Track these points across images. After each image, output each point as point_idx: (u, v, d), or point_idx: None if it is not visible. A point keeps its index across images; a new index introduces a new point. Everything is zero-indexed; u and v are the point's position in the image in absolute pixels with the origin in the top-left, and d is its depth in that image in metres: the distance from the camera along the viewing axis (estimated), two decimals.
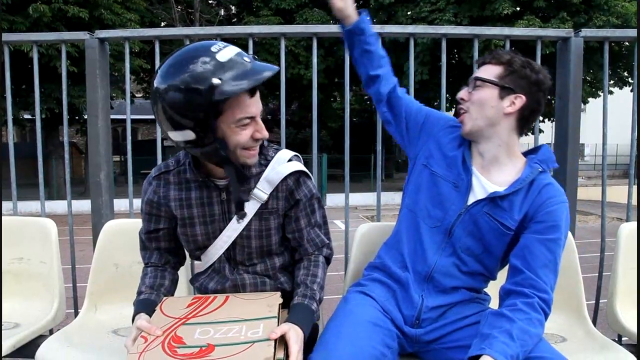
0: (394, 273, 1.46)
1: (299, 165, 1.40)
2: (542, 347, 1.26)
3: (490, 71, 1.39)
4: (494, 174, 1.41)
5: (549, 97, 1.42)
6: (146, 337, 1.19)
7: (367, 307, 1.41)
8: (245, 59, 1.17)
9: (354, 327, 1.32)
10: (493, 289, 1.48)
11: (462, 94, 1.44)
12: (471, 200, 1.40)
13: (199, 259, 1.49)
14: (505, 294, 1.33)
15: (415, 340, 1.41)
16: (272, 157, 1.40)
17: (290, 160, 1.40)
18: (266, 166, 1.38)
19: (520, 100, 1.36)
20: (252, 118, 1.22)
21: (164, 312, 1.28)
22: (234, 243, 1.40)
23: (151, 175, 1.43)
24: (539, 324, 1.25)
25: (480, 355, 1.16)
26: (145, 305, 1.35)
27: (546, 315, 1.27)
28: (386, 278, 1.48)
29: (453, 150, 1.47)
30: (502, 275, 1.44)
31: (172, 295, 1.46)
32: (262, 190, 1.36)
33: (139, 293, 1.40)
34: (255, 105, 1.22)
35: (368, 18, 1.62)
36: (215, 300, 1.33)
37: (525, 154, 1.46)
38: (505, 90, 1.36)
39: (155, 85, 1.16)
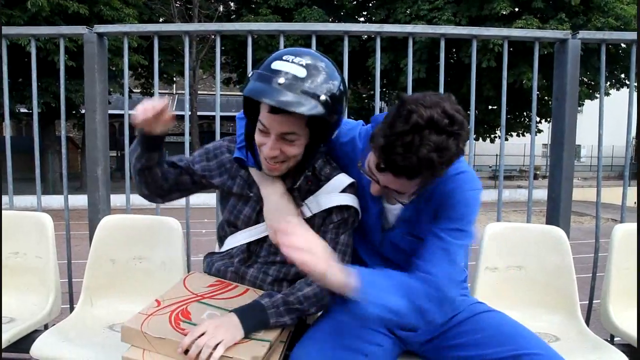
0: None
1: (352, 201, 1.35)
2: (535, 343, 1.25)
3: (409, 184, 1.15)
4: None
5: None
6: (160, 301, 1.23)
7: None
8: (281, 80, 1.12)
9: (337, 325, 1.31)
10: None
11: (379, 194, 1.26)
12: (386, 226, 1.37)
13: (222, 241, 1.50)
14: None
15: (409, 343, 1.42)
16: (326, 177, 1.37)
17: (344, 190, 1.35)
18: (316, 185, 1.36)
19: None
20: (266, 132, 1.21)
21: (186, 285, 1.33)
22: (263, 239, 1.41)
23: (228, 142, 1.47)
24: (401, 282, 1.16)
25: None
26: None
27: (428, 295, 1.16)
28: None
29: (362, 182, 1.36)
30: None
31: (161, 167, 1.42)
32: (309, 209, 1.35)
33: None
34: (271, 122, 1.19)
35: None
36: (236, 289, 1.36)
37: None
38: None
39: None
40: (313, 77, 1.14)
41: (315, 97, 1.13)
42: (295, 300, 1.27)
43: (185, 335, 1.12)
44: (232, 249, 1.45)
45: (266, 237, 1.40)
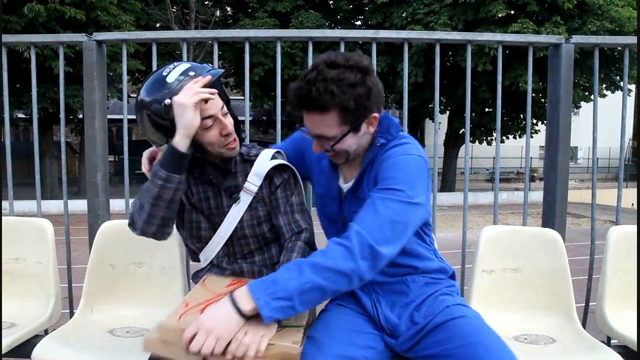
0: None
1: (282, 161, 1.52)
2: (503, 357, 1.22)
3: (327, 123, 1.28)
4: (352, 169, 1.44)
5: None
6: (188, 302, 1.24)
7: (343, 316, 1.40)
8: (191, 73, 1.33)
9: (328, 333, 1.30)
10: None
11: (320, 149, 1.37)
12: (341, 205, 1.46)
13: (197, 259, 1.57)
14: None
15: (395, 350, 1.39)
16: (256, 154, 1.52)
17: (273, 157, 1.52)
18: (251, 163, 1.51)
19: (374, 118, 1.32)
20: (212, 118, 1.35)
21: (207, 287, 1.35)
22: (230, 238, 1.49)
23: None
24: (334, 254, 1.17)
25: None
26: None
27: (341, 253, 1.17)
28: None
29: (322, 165, 1.51)
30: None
31: None
32: (253, 183, 1.49)
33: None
34: (211, 108, 1.34)
35: None
36: None
37: None
38: (356, 126, 1.30)
39: (139, 97, 1.37)
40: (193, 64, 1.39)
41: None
42: None
43: None
44: (211, 260, 1.54)
45: (231, 236, 1.50)
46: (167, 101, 1.29)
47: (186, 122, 1.28)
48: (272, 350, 1.13)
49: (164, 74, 1.34)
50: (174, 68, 1.35)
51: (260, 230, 1.50)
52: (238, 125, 1.47)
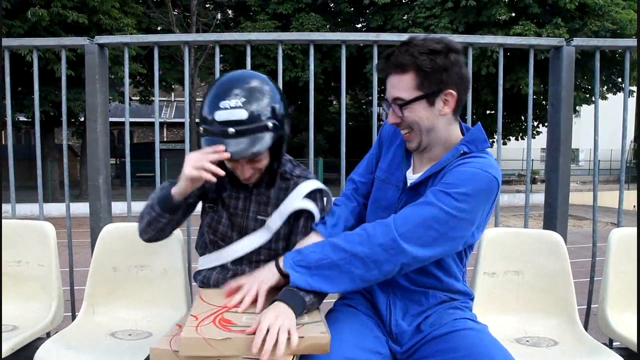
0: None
1: (310, 205, 1.45)
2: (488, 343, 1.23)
3: (404, 84, 1.28)
4: (425, 165, 1.38)
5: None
6: (196, 315, 1.22)
7: (352, 317, 1.39)
8: (231, 131, 1.25)
9: (336, 334, 1.26)
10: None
11: (393, 119, 1.34)
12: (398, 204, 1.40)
13: (203, 252, 1.56)
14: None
15: (398, 356, 1.38)
16: (298, 176, 1.48)
17: (308, 195, 1.45)
18: (288, 182, 1.47)
19: (451, 95, 1.29)
20: (234, 160, 1.32)
21: (206, 301, 1.32)
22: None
23: None
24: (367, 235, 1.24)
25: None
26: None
27: (387, 236, 1.21)
28: (363, 289, 1.46)
29: (395, 151, 1.47)
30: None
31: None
32: (274, 222, 1.45)
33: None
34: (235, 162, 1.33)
35: (325, 233, 1.46)
36: None
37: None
38: (431, 96, 1.28)
39: None
40: (253, 110, 1.27)
41: (264, 129, 1.28)
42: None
43: (244, 333, 1.13)
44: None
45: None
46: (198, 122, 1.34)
47: (181, 183, 1.30)
48: (303, 343, 1.13)
49: (221, 105, 1.27)
50: (232, 107, 1.26)
51: (275, 246, 1.47)
52: (278, 162, 1.43)
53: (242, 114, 1.26)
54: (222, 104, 1.26)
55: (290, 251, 1.32)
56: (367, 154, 1.62)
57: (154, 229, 1.43)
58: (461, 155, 1.31)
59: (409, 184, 1.38)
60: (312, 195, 1.46)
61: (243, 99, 1.27)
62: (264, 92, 1.31)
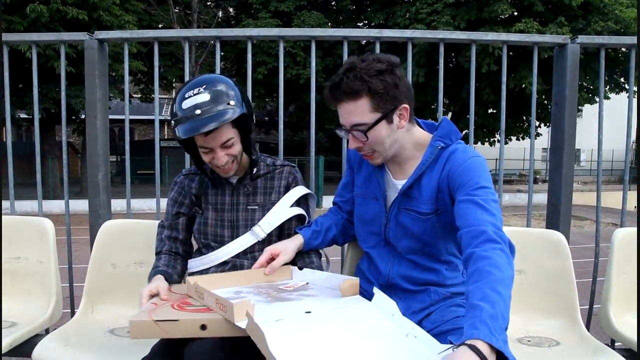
0: (361, 286, 1.43)
1: (298, 210, 1.61)
2: None
3: (360, 110, 1.30)
4: (403, 169, 1.42)
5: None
6: (157, 303, 1.29)
7: None
8: (197, 112, 1.37)
9: None
10: None
11: (355, 144, 1.36)
12: (388, 204, 1.44)
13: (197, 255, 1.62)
14: (463, 264, 1.20)
15: None
16: (273, 165, 1.64)
17: (296, 202, 1.61)
18: (272, 173, 1.62)
19: (405, 109, 1.32)
20: (209, 150, 1.44)
21: (172, 291, 1.41)
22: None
23: (182, 173, 1.70)
24: (501, 261, 1.11)
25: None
26: (162, 272, 1.50)
27: (504, 243, 1.15)
28: (363, 290, 1.45)
29: (366, 167, 1.51)
30: None
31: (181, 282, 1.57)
32: (263, 230, 1.56)
33: (155, 267, 1.53)
34: (211, 141, 1.42)
35: (307, 235, 1.59)
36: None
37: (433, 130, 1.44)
38: (389, 114, 1.31)
39: None
40: (216, 94, 1.40)
41: (227, 104, 1.39)
42: None
43: (195, 311, 1.19)
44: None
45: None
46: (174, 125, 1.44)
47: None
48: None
49: (186, 96, 1.40)
50: (196, 94, 1.39)
51: (269, 243, 1.56)
52: (250, 153, 1.55)
53: (205, 97, 1.38)
54: (187, 94, 1.39)
55: (490, 323, 0.97)
56: (341, 179, 1.70)
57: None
58: (440, 149, 1.36)
59: (399, 190, 1.40)
60: (298, 201, 1.61)
61: (206, 86, 1.40)
62: (227, 84, 1.44)
